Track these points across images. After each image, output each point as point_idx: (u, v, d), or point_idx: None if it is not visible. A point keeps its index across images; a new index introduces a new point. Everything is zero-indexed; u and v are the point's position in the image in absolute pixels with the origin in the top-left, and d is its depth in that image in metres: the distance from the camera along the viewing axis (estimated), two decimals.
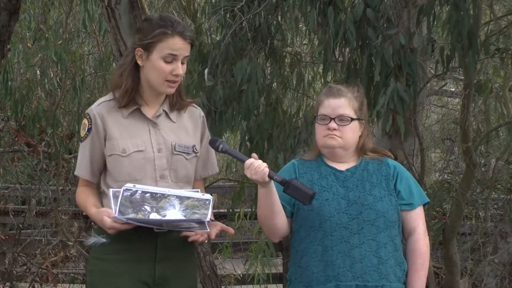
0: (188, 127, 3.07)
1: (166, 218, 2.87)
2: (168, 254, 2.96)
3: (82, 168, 3.02)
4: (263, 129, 4.69)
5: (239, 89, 4.51)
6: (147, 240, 2.92)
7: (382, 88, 4.02)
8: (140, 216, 2.85)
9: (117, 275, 2.92)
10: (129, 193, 2.87)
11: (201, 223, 2.89)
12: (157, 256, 2.95)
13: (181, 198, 2.91)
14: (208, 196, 2.97)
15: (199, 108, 3.16)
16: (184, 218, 2.88)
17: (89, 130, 2.98)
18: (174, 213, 2.89)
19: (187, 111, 3.09)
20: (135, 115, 3.01)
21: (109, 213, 2.86)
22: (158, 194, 2.90)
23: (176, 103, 3.05)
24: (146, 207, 2.88)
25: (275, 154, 4.57)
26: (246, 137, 4.75)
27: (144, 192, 2.89)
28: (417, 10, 4.17)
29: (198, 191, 2.99)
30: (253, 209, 5.27)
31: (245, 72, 4.46)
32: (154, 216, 2.86)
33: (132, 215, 2.85)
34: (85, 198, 3.03)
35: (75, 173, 3.06)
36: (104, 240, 2.94)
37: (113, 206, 2.86)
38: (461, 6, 3.97)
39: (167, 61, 2.94)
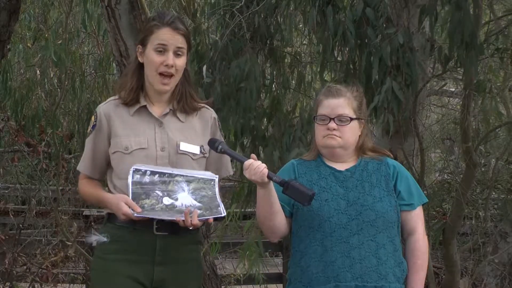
0: (196, 127, 3.07)
1: (178, 202, 2.89)
2: (168, 258, 2.95)
3: (84, 163, 3.07)
4: (258, 127, 4.68)
5: (236, 87, 4.50)
6: (146, 242, 2.92)
7: (378, 87, 4.02)
8: (153, 201, 2.88)
9: (115, 274, 2.92)
10: (138, 175, 2.89)
11: (215, 207, 2.92)
12: (156, 258, 2.93)
13: (187, 179, 2.93)
14: (212, 175, 2.98)
15: (211, 109, 3.16)
16: (195, 203, 2.90)
17: (94, 126, 3.03)
18: (184, 196, 2.92)
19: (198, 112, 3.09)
20: (141, 113, 3.02)
21: (126, 200, 2.86)
22: (166, 174, 2.92)
23: (183, 104, 3.04)
24: (157, 192, 2.90)
25: (270, 152, 4.55)
26: (243, 135, 4.73)
27: (152, 173, 2.91)
28: (419, 9, 4.17)
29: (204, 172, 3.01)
30: (246, 209, 5.27)
31: (241, 70, 4.45)
32: (166, 200, 2.89)
33: (147, 205, 2.86)
34: (93, 186, 3.06)
35: (77, 167, 3.10)
36: (105, 239, 2.96)
37: (130, 188, 2.89)
38: (462, 6, 3.96)
39: (158, 52, 2.96)
